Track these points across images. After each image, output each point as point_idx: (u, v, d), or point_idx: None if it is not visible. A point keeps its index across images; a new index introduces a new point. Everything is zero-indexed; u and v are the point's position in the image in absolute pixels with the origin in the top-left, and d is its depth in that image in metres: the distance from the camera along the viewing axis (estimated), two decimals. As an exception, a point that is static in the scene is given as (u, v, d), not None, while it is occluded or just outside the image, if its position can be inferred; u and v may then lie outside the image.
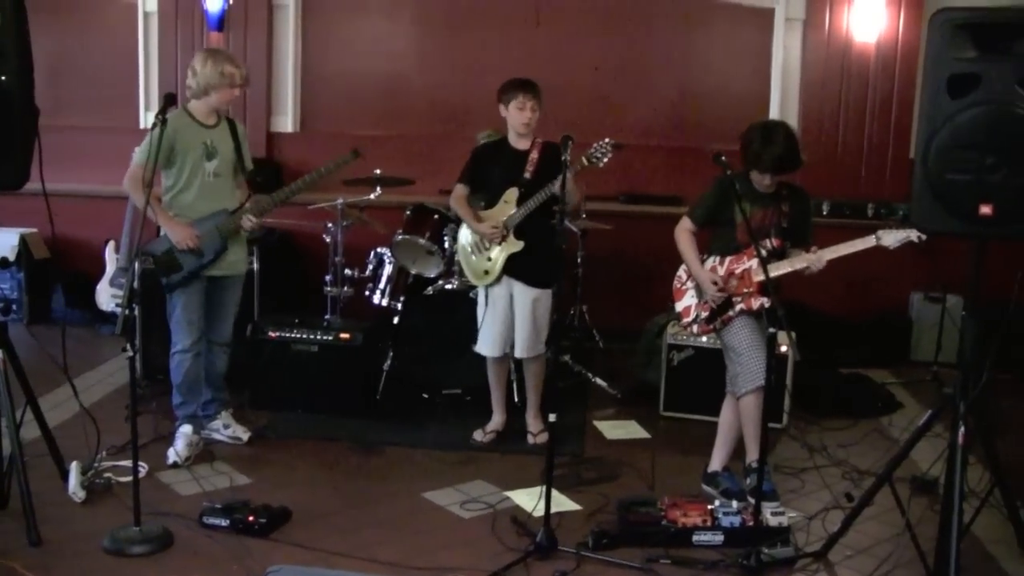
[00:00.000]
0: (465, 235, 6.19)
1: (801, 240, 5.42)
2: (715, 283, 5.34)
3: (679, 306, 5.59)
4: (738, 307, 5.34)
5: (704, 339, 6.36)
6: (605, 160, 5.69)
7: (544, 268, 5.89)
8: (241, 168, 5.86)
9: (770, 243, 5.30)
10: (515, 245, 5.94)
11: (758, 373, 5.22)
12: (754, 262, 5.28)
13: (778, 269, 5.24)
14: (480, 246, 6.06)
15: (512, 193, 5.93)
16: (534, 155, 5.94)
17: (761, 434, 4.98)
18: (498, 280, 6.02)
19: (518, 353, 6.10)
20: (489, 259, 6.02)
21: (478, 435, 6.25)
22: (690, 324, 5.53)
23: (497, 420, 6.32)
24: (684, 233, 5.51)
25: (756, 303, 5.30)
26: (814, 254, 5.20)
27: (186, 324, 5.77)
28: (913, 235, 4.96)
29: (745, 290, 5.33)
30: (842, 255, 5.16)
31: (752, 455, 5.35)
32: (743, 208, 4.98)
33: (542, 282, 5.98)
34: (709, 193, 5.47)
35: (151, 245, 5.72)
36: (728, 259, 5.41)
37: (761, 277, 5.17)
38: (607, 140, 5.66)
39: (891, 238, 5.04)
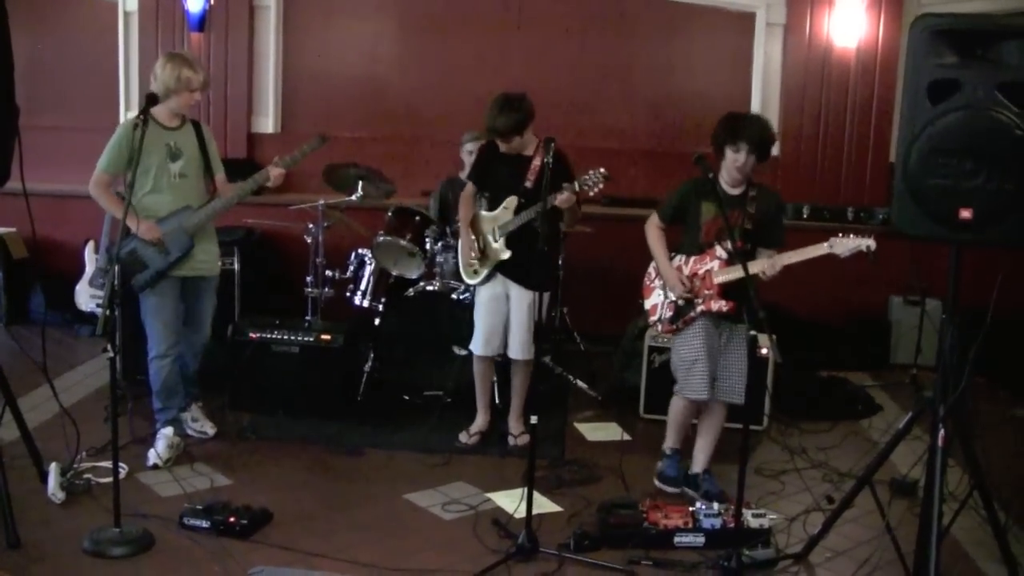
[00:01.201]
0: (464, 234, 6.19)
1: (770, 243, 5.45)
2: (682, 282, 5.45)
3: (647, 303, 5.70)
4: (699, 308, 5.42)
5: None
6: (596, 189, 5.66)
7: (540, 271, 5.89)
8: (207, 169, 5.90)
9: (730, 245, 5.27)
10: (503, 253, 5.98)
11: (698, 388, 5.44)
12: (715, 263, 5.40)
13: (733, 272, 5.27)
14: (476, 245, 6.09)
15: (512, 201, 5.96)
16: (536, 163, 5.94)
17: (678, 430, 5.70)
18: (490, 278, 6.06)
19: (513, 354, 6.11)
20: (481, 260, 6.08)
21: (463, 437, 6.23)
22: (655, 323, 5.63)
23: (481, 421, 6.32)
24: (653, 229, 5.63)
25: (715, 305, 5.38)
26: (769, 259, 5.23)
27: (161, 327, 5.78)
28: (863, 244, 5.03)
29: (706, 291, 5.40)
30: (796, 262, 5.18)
31: (669, 442, 5.76)
32: (703, 208, 5.32)
33: (536, 285, 5.86)
34: (675, 191, 5.64)
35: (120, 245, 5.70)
36: (692, 259, 5.50)
37: (721, 279, 5.34)
38: (601, 170, 5.60)
39: (842, 247, 5.07)
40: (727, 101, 9.04)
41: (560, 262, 7.68)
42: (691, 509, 4.95)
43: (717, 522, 4.89)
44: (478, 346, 6.16)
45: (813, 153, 9.02)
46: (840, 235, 5.12)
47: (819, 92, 8.97)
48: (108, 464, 4.84)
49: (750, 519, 4.86)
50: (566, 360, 7.68)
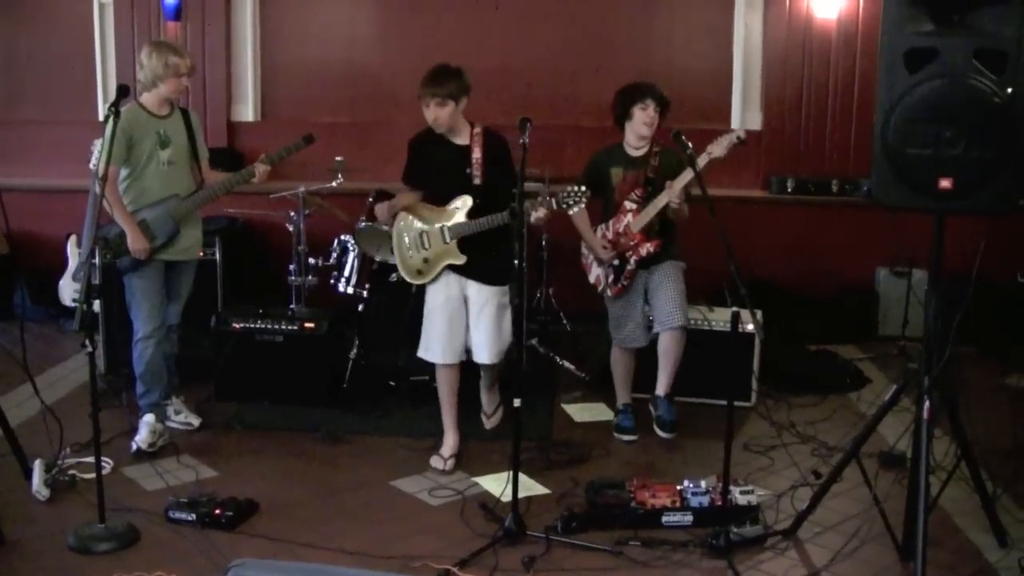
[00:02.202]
0: (401, 227, 5.77)
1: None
2: (604, 247, 5.96)
3: (591, 278, 6.18)
4: (632, 260, 5.93)
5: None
6: (576, 208, 5.30)
7: (500, 265, 5.44)
8: (194, 156, 5.95)
9: (635, 194, 5.88)
10: (456, 258, 5.56)
11: (631, 338, 6.19)
12: (629, 216, 5.93)
13: (646, 215, 5.87)
14: (419, 243, 5.65)
15: (467, 201, 5.51)
16: (477, 155, 5.53)
17: (623, 384, 6.36)
18: (436, 280, 5.67)
19: (481, 358, 5.71)
20: (425, 260, 5.65)
21: (437, 463, 5.63)
22: (603, 291, 6.10)
23: (452, 442, 5.75)
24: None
25: (643, 250, 5.90)
26: (668, 189, 5.76)
27: (147, 309, 5.81)
28: (734, 137, 5.68)
29: (632, 243, 5.90)
30: (689, 180, 5.66)
31: (620, 398, 6.37)
32: (612, 173, 6.02)
33: (499, 279, 5.56)
34: (586, 168, 6.20)
35: (105, 229, 5.69)
36: (611, 222, 6.01)
37: (639, 226, 5.91)
38: (581, 188, 5.17)
39: (718, 148, 5.69)
40: (708, 75, 9.04)
41: (543, 243, 7.67)
42: (679, 488, 4.94)
43: (705, 500, 4.88)
44: (438, 355, 5.66)
45: (796, 126, 8.97)
46: (715, 140, 5.69)
47: (801, 64, 8.92)
48: (92, 459, 4.81)
49: (738, 496, 4.86)
50: (552, 341, 7.66)
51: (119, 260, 5.76)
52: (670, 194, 5.73)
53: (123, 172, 5.75)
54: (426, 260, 5.65)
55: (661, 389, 6.00)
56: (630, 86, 6.09)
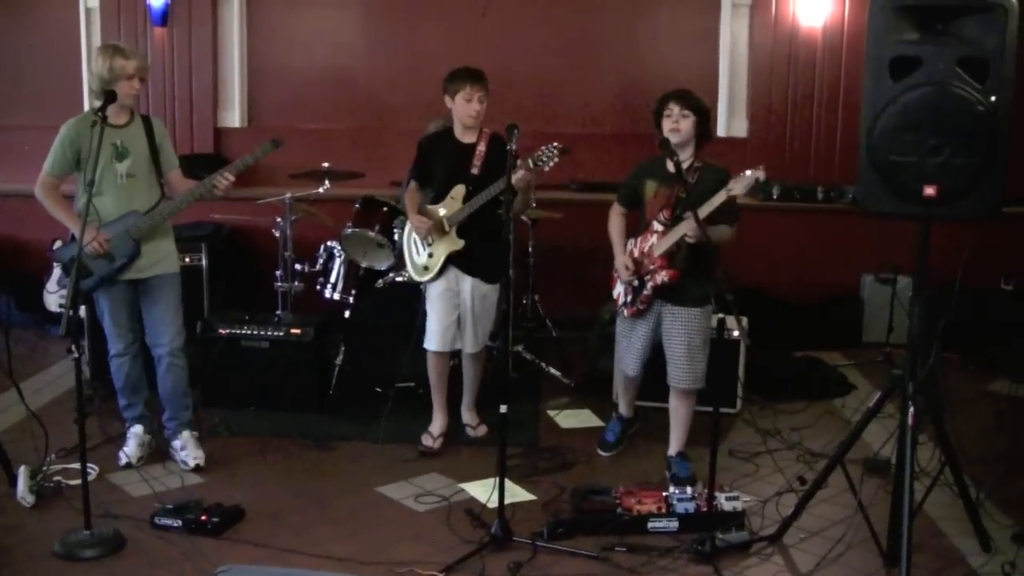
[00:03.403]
0: (409, 231, 6.12)
1: (720, 219, 5.32)
2: (627, 267, 5.55)
3: (614, 293, 5.77)
4: (648, 285, 5.47)
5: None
6: (551, 164, 5.54)
7: (493, 263, 5.79)
8: (156, 168, 5.56)
9: (662, 215, 5.43)
10: (455, 244, 5.87)
11: (625, 364, 5.77)
12: (654, 238, 5.45)
13: (668, 240, 5.36)
14: (423, 242, 5.99)
15: (459, 190, 5.84)
16: (481, 148, 5.85)
17: (622, 395, 6.06)
18: (440, 275, 5.94)
19: (466, 348, 6.03)
20: (430, 255, 5.95)
21: (427, 440, 5.99)
22: (621, 308, 5.69)
23: (440, 422, 6.12)
24: (613, 216, 5.77)
25: (659, 277, 5.42)
26: (688, 219, 5.23)
27: (114, 328, 5.61)
28: (755, 177, 5.12)
29: (651, 267, 5.45)
30: (707, 213, 5.13)
31: (618, 407, 6.12)
32: (647, 187, 5.50)
33: (491, 277, 5.93)
34: (628, 174, 5.75)
35: (60, 251, 5.61)
36: (639, 239, 5.57)
37: (660, 250, 5.40)
38: (555, 145, 5.51)
39: (740, 186, 5.13)
40: (695, 82, 8.88)
41: (530, 249, 7.68)
42: (664, 494, 4.95)
43: (691, 506, 4.89)
44: (433, 342, 5.99)
45: (782, 132, 9.00)
46: (736, 176, 5.18)
47: (787, 71, 8.95)
48: (78, 466, 4.79)
49: (723, 502, 4.87)
50: (538, 347, 7.67)
51: (83, 281, 5.34)
52: (687, 226, 5.21)
53: (79, 185, 5.42)
54: (431, 255, 5.93)
55: (673, 448, 5.68)
56: (660, 97, 5.53)
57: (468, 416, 6.27)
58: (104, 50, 5.42)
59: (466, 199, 5.81)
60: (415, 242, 6.05)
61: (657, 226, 5.44)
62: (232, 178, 5.49)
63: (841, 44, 8.84)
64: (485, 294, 5.96)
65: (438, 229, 5.88)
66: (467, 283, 5.93)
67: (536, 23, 9.12)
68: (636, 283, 5.53)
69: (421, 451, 5.94)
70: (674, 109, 5.39)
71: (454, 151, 5.90)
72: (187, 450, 5.68)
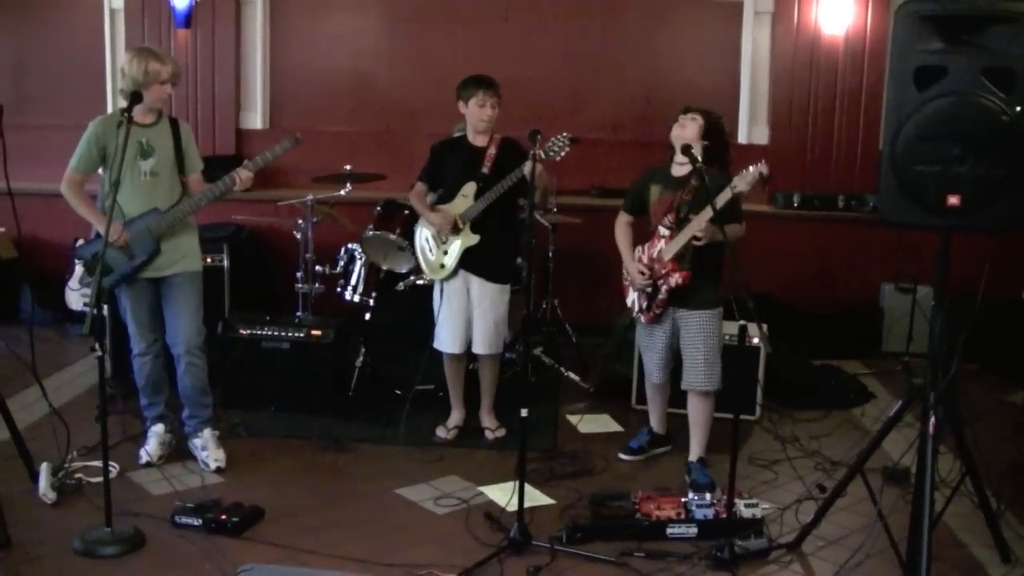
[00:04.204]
0: (422, 230, 6.20)
1: (725, 220, 5.27)
2: (641, 272, 5.56)
3: (628, 301, 5.80)
4: (663, 289, 5.50)
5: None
6: (562, 154, 5.70)
7: (503, 263, 5.94)
8: (180, 168, 5.63)
9: (667, 220, 5.47)
10: (471, 239, 5.96)
11: (648, 373, 5.85)
12: (662, 242, 5.51)
13: (677, 243, 5.43)
14: (437, 240, 6.06)
15: (470, 187, 5.94)
16: (492, 151, 5.96)
17: (651, 409, 6.03)
18: (454, 274, 6.04)
19: (477, 349, 6.09)
20: (445, 252, 6.03)
21: (441, 432, 6.25)
22: (637, 315, 5.72)
23: (457, 416, 6.33)
24: (619, 225, 5.83)
25: (672, 280, 5.46)
26: (695, 219, 5.32)
27: (136, 327, 5.66)
28: (758, 172, 5.16)
29: (663, 272, 5.48)
30: (713, 214, 5.10)
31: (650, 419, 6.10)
32: (651, 192, 5.62)
33: (500, 277, 6.01)
34: (633, 182, 5.85)
35: (83, 248, 5.65)
36: (647, 245, 5.62)
37: (669, 254, 5.45)
38: (564, 134, 5.68)
39: (743, 182, 5.18)
40: (716, 90, 9.05)
41: (550, 254, 7.69)
42: (683, 500, 4.96)
43: (710, 512, 4.89)
44: (446, 344, 6.12)
45: (802, 141, 8.99)
46: (739, 173, 5.23)
47: (808, 80, 8.94)
48: (99, 463, 4.82)
49: (743, 509, 4.87)
50: (557, 351, 7.68)
51: (105, 278, 5.35)
52: (693, 228, 5.30)
53: (104, 182, 5.53)
54: (446, 252, 6.00)
55: (694, 454, 5.69)
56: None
57: (487, 420, 6.31)
58: (139, 53, 5.48)
59: (476, 196, 5.92)
60: (428, 240, 6.14)
61: (663, 231, 5.52)
62: (251, 173, 5.57)
63: (863, 52, 8.82)
64: (492, 294, 6.02)
65: (452, 227, 5.96)
66: (476, 283, 6.01)
67: (558, 29, 9.13)
68: (650, 289, 5.56)
69: (435, 441, 6.16)
70: (683, 116, 5.61)
71: (465, 154, 6.02)
72: (208, 451, 5.71)
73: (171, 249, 5.57)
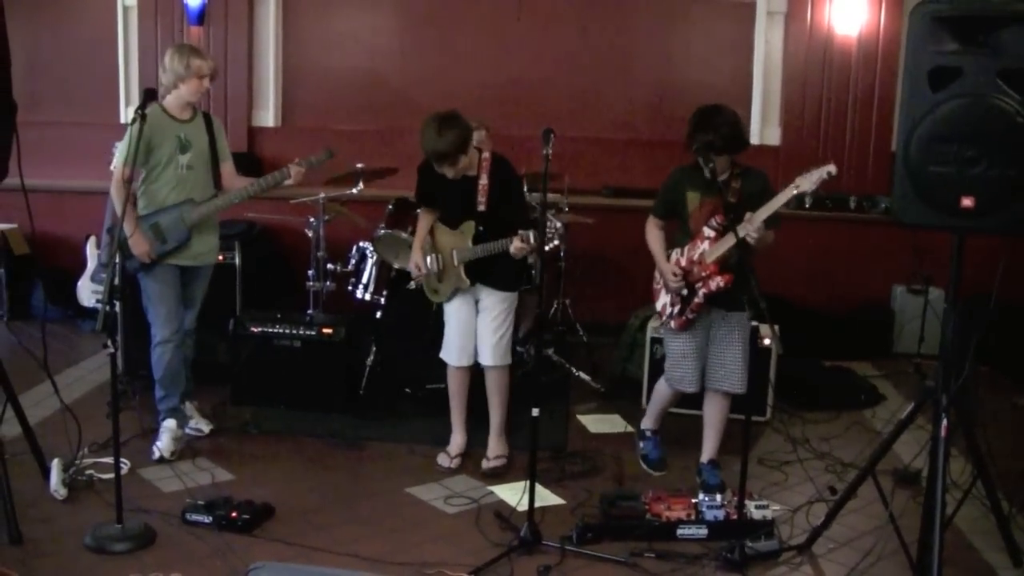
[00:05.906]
0: (427, 247, 5.91)
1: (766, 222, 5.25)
2: (675, 273, 5.40)
3: (657, 306, 5.67)
4: (700, 292, 5.37)
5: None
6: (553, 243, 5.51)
7: (509, 270, 5.65)
8: (214, 161, 5.89)
9: (714, 221, 5.33)
10: (462, 282, 5.69)
11: (683, 381, 5.55)
12: (705, 244, 5.36)
13: (722, 245, 5.27)
14: (436, 263, 5.79)
15: (469, 226, 5.66)
16: (483, 181, 5.61)
17: (658, 412, 5.88)
18: (451, 299, 5.81)
19: (484, 360, 5.75)
20: (440, 280, 5.82)
21: (443, 461, 5.82)
22: (667, 320, 5.56)
23: (459, 441, 5.91)
24: (651, 229, 5.64)
25: (713, 284, 5.31)
26: (747, 221, 5.11)
27: (164, 314, 5.79)
28: (825, 172, 4.96)
29: (703, 274, 5.35)
30: (772, 212, 5.06)
31: (647, 422, 5.99)
32: (688, 198, 5.38)
33: (508, 285, 5.73)
34: (663, 185, 5.61)
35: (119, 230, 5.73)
36: (686, 248, 5.46)
37: (714, 256, 5.30)
38: (557, 225, 5.61)
39: (808, 182, 5.00)
40: (728, 90, 9.03)
41: (561, 253, 7.68)
42: (694, 501, 4.95)
43: (720, 514, 4.89)
44: (452, 356, 5.81)
45: (815, 142, 8.98)
46: (803, 173, 5.04)
47: (820, 81, 8.93)
48: (110, 460, 4.83)
49: (753, 510, 4.85)
50: (568, 352, 7.67)
51: (128, 261, 5.73)
52: (747, 227, 5.06)
53: (140, 174, 5.74)
54: (440, 280, 5.82)
55: (706, 456, 5.63)
56: (697, 115, 5.39)
57: (492, 446, 5.86)
58: (181, 49, 5.80)
59: (475, 239, 5.64)
60: (428, 260, 5.83)
61: (709, 232, 5.34)
62: (303, 169, 5.90)
63: (876, 53, 8.81)
64: (500, 303, 5.73)
65: (447, 262, 5.75)
66: (484, 293, 5.75)
67: (570, 28, 9.13)
68: (685, 292, 5.43)
69: (439, 470, 5.78)
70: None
71: (456, 185, 5.63)
72: (195, 419, 6.14)
73: (201, 243, 5.89)
